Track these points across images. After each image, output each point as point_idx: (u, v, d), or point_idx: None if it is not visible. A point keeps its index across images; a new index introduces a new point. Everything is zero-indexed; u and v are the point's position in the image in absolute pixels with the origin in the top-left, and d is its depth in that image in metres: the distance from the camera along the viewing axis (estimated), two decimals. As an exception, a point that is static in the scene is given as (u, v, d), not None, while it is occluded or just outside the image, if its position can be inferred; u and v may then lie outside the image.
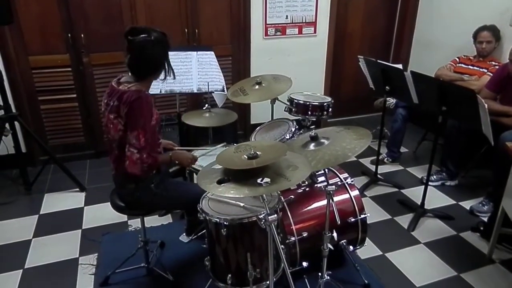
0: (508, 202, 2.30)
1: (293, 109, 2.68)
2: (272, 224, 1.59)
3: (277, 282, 1.95)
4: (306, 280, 2.22)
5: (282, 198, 1.96)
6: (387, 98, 3.43)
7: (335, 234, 2.10)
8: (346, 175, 2.39)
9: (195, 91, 2.92)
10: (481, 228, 2.73)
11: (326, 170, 2.20)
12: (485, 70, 3.39)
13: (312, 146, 1.85)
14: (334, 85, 4.57)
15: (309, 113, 2.64)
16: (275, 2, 3.89)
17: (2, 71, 3.06)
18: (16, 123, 3.19)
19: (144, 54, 1.88)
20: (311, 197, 2.28)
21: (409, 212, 3.00)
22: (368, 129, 1.89)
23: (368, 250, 2.56)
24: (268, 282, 1.84)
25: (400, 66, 3.04)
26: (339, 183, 2.33)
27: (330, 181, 2.21)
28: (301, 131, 2.57)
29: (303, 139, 1.95)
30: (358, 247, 2.39)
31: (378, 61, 3.09)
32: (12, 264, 2.51)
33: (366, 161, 3.81)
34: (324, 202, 2.06)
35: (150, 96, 1.93)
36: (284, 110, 2.74)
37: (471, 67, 3.52)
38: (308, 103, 2.63)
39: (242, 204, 1.88)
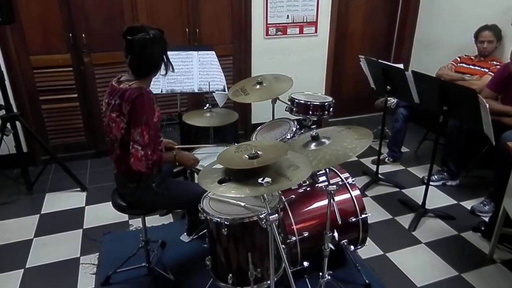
0: (509, 202, 2.29)
1: (294, 109, 2.68)
2: (273, 224, 1.59)
3: (278, 282, 1.94)
4: (307, 280, 2.22)
5: (283, 197, 1.97)
6: (388, 98, 3.43)
7: (336, 234, 2.10)
8: (347, 175, 2.39)
9: (196, 90, 2.92)
10: (482, 228, 2.73)
11: (327, 169, 2.21)
12: (486, 70, 3.39)
13: (313, 146, 1.86)
14: (335, 84, 4.57)
15: (310, 112, 2.64)
16: (276, 1, 3.89)
17: (4, 71, 3.06)
18: (17, 122, 3.19)
19: (144, 53, 1.89)
20: (312, 197, 2.28)
21: (410, 212, 2.99)
22: (369, 128, 1.89)
23: (369, 250, 2.56)
24: (269, 282, 1.84)
25: (401, 65, 3.04)
26: (340, 183, 2.32)
27: (331, 181, 2.20)
28: (302, 131, 2.57)
29: (304, 139, 1.95)
30: (359, 247, 2.39)
31: (379, 60, 3.09)
32: (13, 264, 2.51)
33: (367, 161, 3.80)
34: (325, 202, 2.06)
35: (152, 93, 1.94)
36: (285, 110, 2.74)
37: (472, 67, 3.52)
38: (309, 102, 2.63)
39: (243, 204, 1.88)
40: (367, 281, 2.29)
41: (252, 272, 1.83)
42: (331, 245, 2.02)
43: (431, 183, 3.02)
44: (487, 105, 2.26)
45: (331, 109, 2.67)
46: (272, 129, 2.68)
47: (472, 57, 3.60)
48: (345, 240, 2.24)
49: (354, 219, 2.26)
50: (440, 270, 2.44)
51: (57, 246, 2.68)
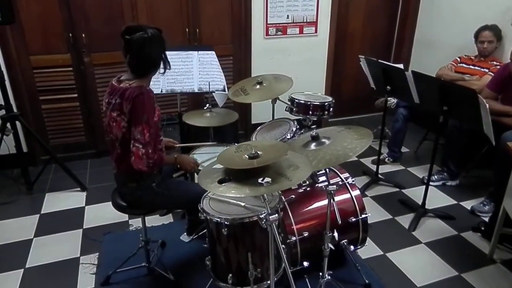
0: (509, 202, 2.29)
1: (294, 109, 2.68)
2: (273, 224, 1.59)
3: (278, 282, 1.94)
4: (307, 280, 2.22)
5: (283, 197, 1.97)
6: (388, 98, 3.43)
7: (336, 234, 2.10)
8: (347, 175, 2.39)
9: (196, 90, 2.92)
10: (482, 228, 2.73)
11: (327, 169, 2.21)
12: (486, 70, 3.39)
13: (313, 146, 1.86)
14: (335, 84, 4.57)
15: (310, 112, 2.64)
16: (276, 2, 3.89)
17: (4, 71, 3.06)
18: (17, 122, 3.19)
19: (143, 52, 1.89)
20: (312, 197, 2.28)
21: (410, 212, 2.99)
22: (369, 128, 1.89)
23: (369, 250, 2.56)
24: (269, 282, 1.84)
25: (401, 66, 3.04)
26: (340, 183, 2.32)
27: (331, 181, 2.20)
28: (302, 131, 2.57)
29: (304, 139, 1.95)
30: (359, 247, 2.39)
31: (379, 60, 3.09)
32: (13, 264, 2.51)
33: (367, 161, 3.80)
34: (325, 202, 2.06)
35: (152, 92, 1.94)
36: (285, 110, 2.74)
37: (472, 67, 3.52)
38: (309, 102, 2.63)
39: (243, 204, 1.88)
40: (367, 281, 2.29)
41: (252, 272, 1.83)
42: (331, 245, 2.02)
43: (431, 183, 3.02)
44: (487, 105, 2.26)
45: (331, 109, 2.67)
46: (272, 129, 2.68)
47: (472, 57, 3.60)
48: (345, 240, 2.24)
49: (354, 219, 2.26)
50: (440, 270, 2.44)
51: (57, 246, 2.68)
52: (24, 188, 3.34)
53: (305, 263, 2.16)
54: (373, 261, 2.51)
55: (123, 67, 1.98)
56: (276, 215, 1.60)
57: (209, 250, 1.98)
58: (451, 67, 3.65)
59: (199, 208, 1.90)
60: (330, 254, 2.04)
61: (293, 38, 4.10)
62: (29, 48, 3.43)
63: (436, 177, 3.37)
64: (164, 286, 2.33)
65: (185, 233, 2.73)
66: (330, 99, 2.72)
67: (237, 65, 4.07)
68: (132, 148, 1.87)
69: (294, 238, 2.12)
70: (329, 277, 2.10)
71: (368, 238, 2.40)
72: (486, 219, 2.85)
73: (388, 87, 3.02)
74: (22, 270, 2.47)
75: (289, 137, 2.45)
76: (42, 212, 3.07)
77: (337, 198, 2.24)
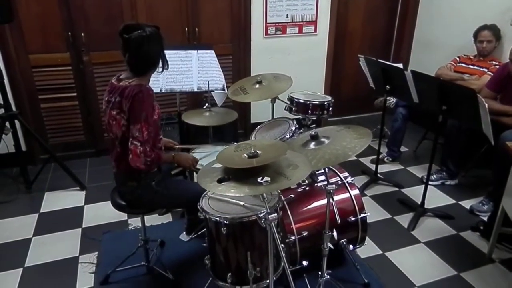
0: (508, 202, 2.30)
1: (294, 108, 2.68)
2: (272, 223, 1.60)
3: (277, 281, 1.95)
4: (306, 279, 2.22)
5: (282, 197, 1.96)
6: (388, 97, 3.43)
7: (335, 233, 2.11)
8: (346, 174, 2.40)
9: (195, 90, 2.92)
10: (481, 228, 2.73)
11: (326, 169, 2.21)
12: (486, 70, 3.39)
13: (312, 145, 1.86)
14: (335, 84, 4.57)
15: (310, 112, 2.64)
16: (276, 1, 3.89)
17: (3, 70, 3.06)
18: (16, 121, 3.19)
19: (141, 51, 1.89)
20: (311, 196, 2.28)
21: (409, 212, 3.00)
22: (368, 128, 1.89)
23: (368, 249, 2.56)
24: (268, 281, 1.84)
25: (400, 65, 3.04)
26: (339, 182, 2.33)
27: (330, 180, 2.20)
28: (301, 130, 2.57)
29: (303, 138, 1.95)
30: (358, 246, 2.39)
31: (379, 60, 3.09)
32: (12, 263, 2.51)
33: (366, 160, 3.81)
34: (324, 201, 2.07)
35: (151, 90, 1.94)
36: (285, 109, 2.74)
37: (471, 67, 3.52)
38: (308, 102, 2.63)
39: (242, 203, 1.88)
40: (366, 280, 2.29)
41: (251, 271, 1.83)
42: (330, 245, 2.02)
43: (430, 182, 3.01)
44: (486, 104, 2.26)
45: (331, 108, 2.68)
46: (272, 129, 2.68)
47: (471, 57, 3.60)
48: (344, 240, 2.25)
49: (353, 219, 2.26)
50: (439, 270, 2.44)
51: (56, 245, 2.68)
52: (23, 187, 3.34)
53: (304, 262, 2.16)
54: (372, 261, 2.51)
55: (122, 66, 1.98)
56: (275, 214, 1.60)
57: (208, 249, 1.98)
58: (450, 66, 3.65)
59: (199, 207, 1.90)
60: (329, 254, 2.04)
61: (293, 37, 4.10)
62: (28, 47, 3.43)
63: (435, 176, 3.37)
64: (163, 285, 2.33)
65: (184, 232, 2.73)
66: (329, 98, 2.73)
67: (237, 64, 4.06)
68: (130, 146, 1.87)
69: (293, 238, 2.13)
70: (328, 276, 2.10)
71: (367, 238, 2.41)
72: (485, 219, 2.85)
73: (387, 86, 3.02)
74: (21, 269, 2.47)
75: (288, 136, 2.45)
76: (41, 211, 3.07)
77: (336, 198, 2.24)
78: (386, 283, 2.33)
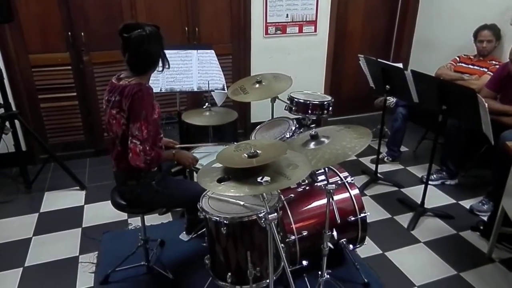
0: (508, 201, 2.30)
1: (293, 108, 2.68)
2: (272, 223, 1.60)
3: (277, 280, 1.95)
4: (306, 278, 2.22)
5: (282, 197, 1.96)
6: (387, 97, 3.43)
7: (335, 233, 2.11)
8: (346, 174, 2.40)
9: (195, 89, 2.92)
10: (481, 227, 2.73)
11: (326, 169, 2.21)
12: (485, 70, 3.39)
13: (312, 145, 1.86)
14: (334, 84, 4.57)
15: (309, 112, 2.64)
16: (276, 0, 3.89)
17: (2, 70, 3.06)
18: (16, 121, 3.19)
19: (141, 50, 1.89)
20: (311, 196, 2.28)
21: (409, 211, 3.00)
22: (368, 128, 1.89)
23: (368, 249, 2.56)
24: (268, 281, 1.84)
25: (400, 65, 3.04)
26: (339, 182, 2.33)
27: (330, 180, 2.20)
28: (301, 130, 2.57)
29: (303, 138, 1.95)
30: (358, 246, 2.39)
31: (379, 60, 3.09)
32: (12, 263, 2.51)
33: (366, 160, 3.81)
34: (324, 201, 2.07)
35: (151, 89, 1.95)
36: (284, 109, 2.74)
37: (471, 67, 3.52)
38: (308, 102, 2.63)
39: (242, 203, 1.88)
40: (366, 280, 2.29)
41: (251, 271, 1.83)
42: (330, 244, 2.02)
43: (430, 182, 3.02)
44: (486, 104, 2.26)
45: (330, 108, 2.68)
46: (271, 128, 2.68)
47: (471, 57, 3.60)
48: (344, 239, 2.25)
49: (353, 218, 2.26)
50: (439, 269, 2.44)
51: (56, 245, 2.68)
52: (23, 187, 3.33)
53: (304, 262, 2.16)
54: (372, 260, 2.51)
55: (122, 66, 1.98)
56: (275, 214, 1.60)
57: (208, 249, 1.98)
58: (450, 66, 3.65)
59: (198, 207, 1.90)
60: (329, 253, 2.04)
61: (293, 37, 4.10)
62: (28, 46, 3.43)
63: (435, 176, 3.37)
64: (163, 285, 2.33)
65: (184, 232, 2.73)
66: (329, 98, 2.73)
67: (237, 64, 4.06)
68: (130, 145, 1.87)
69: (293, 237, 2.12)
70: (328, 276, 2.10)
71: (367, 237, 2.41)
72: (485, 218, 2.85)
73: (387, 86, 3.02)
74: (21, 269, 2.47)
75: (288, 136, 2.45)
76: (41, 211, 3.07)
77: (336, 197, 2.24)
78: (386, 283, 2.33)
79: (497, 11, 3.52)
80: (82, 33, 3.49)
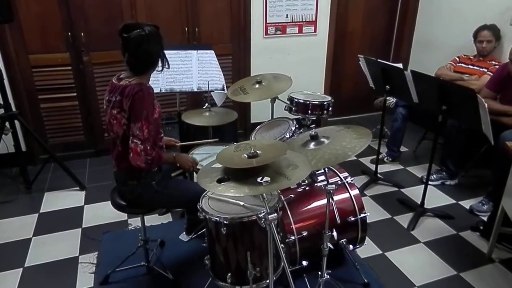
0: (508, 202, 2.30)
1: (293, 108, 2.68)
2: (272, 223, 1.60)
3: (277, 281, 1.95)
4: (306, 279, 2.22)
5: (282, 197, 1.96)
6: (387, 97, 3.43)
7: (335, 233, 2.10)
8: (346, 174, 2.40)
9: (195, 90, 2.92)
10: (481, 228, 2.73)
11: (326, 169, 2.20)
12: (485, 70, 3.39)
13: (312, 145, 1.86)
14: (334, 84, 4.57)
15: (309, 112, 2.64)
16: (275, 1, 3.89)
17: (2, 70, 3.06)
18: (16, 121, 3.19)
19: (141, 50, 1.90)
20: (311, 196, 2.28)
21: (409, 211, 3.00)
22: (368, 128, 1.89)
23: (368, 249, 2.56)
24: (268, 281, 1.84)
25: (400, 65, 3.04)
26: (339, 182, 2.33)
27: (330, 180, 2.21)
28: (301, 130, 2.57)
29: (303, 138, 1.95)
30: (358, 246, 2.39)
31: (378, 60, 3.09)
32: (12, 263, 2.51)
33: (366, 160, 3.81)
34: (324, 201, 2.07)
35: (152, 88, 1.95)
36: (284, 109, 2.74)
37: (471, 67, 3.52)
38: (308, 102, 2.63)
39: (242, 203, 1.88)
40: (366, 280, 2.29)
41: (251, 271, 1.83)
42: (330, 245, 2.02)
43: (430, 182, 3.02)
44: (486, 104, 2.26)
45: (330, 108, 2.68)
46: (271, 129, 2.68)
47: (471, 57, 3.60)
48: (344, 240, 2.25)
49: (353, 219, 2.26)
50: (439, 270, 2.44)
51: (56, 245, 2.68)
52: (23, 187, 3.33)
53: (304, 262, 2.16)
54: (372, 261, 2.51)
55: (122, 66, 1.98)
56: (275, 214, 1.60)
57: (208, 249, 1.98)
58: (450, 66, 3.65)
59: (198, 207, 1.90)
60: (329, 254, 2.04)
61: (293, 37, 4.10)
62: (28, 47, 3.43)
63: (435, 176, 3.37)
64: (163, 285, 2.33)
65: (184, 232, 2.73)
66: (329, 98, 2.73)
67: (236, 64, 4.06)
68: (131, 144, 1.88)
69: (293, 238, 2.13)
70: (328, 276, 2.10)
71: (367, 238, 2.41)
72: (485, 219, 2.86)
73: (387, 86, 3.02)
74: (21, 269, 2.47)
75: (288, 136, 2.45)
76: (41, 211, 3.07)
77: (336, 198, 2.24)
78: (385, 283, 2.33)
79: (497, 11, 3.52)
80: (82, 33, 3.49)
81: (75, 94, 3.67)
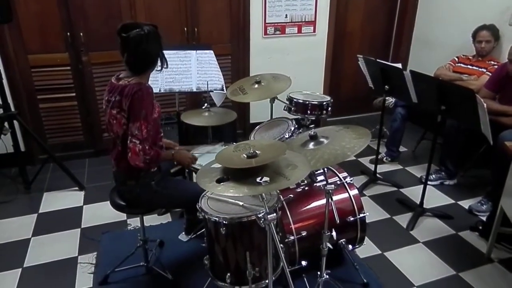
0: (507, 201, 2.30)
1: (293, 108, 2.68)
2: (271, 223, 1.59)
3: (276, 281, 1.95)
4: (305, 279, 2.22)
5: (281, 197, 1.96)
6: (386, 97, 3.43)
7: (334, 233, 2.10)
8: (345, 174, 2.40)
9: (195, 90, 2.92)
10: (480, 227, 2.73)
11: (325, 169, 2.20)
12: (484, 70, 3.39)
13: (311, 145, 1.86)
14: (334, 84, 4.57)
15: (309, 112, 2.64)
16: (275, 1, 3.89)
17: (1, 70, 3.06)
18: (15, 122, 3.19)
19: (139, 50, 1.90)
20: (310, 196, 2.28)
21: (408, 211, 3.00)
22: (367, 128, 1.89)
23: (367, 249, 2.56)
24: (267, 281, 1.84)
25: (399, 65, 3.04)
26: (338, 182, 2.33)
27: (329, 180, 2.21)
28: (300, 130, 2.57)
29: (302, 138, 1.95)
30: (357, 246, 2.39)
31: (378, 60, 3.09)
32: (11, 263, 2.51)
33: (365, 160, 3.81)
34: (323, 201, 2.07)
35: (151, 88, 1.95)
36: (284, 109, 2.74)
37: (470, 67, 3.53)
38: (307, 102, 2.63)
39: (241, 203, 1.88)
40: (365, 280, 2.29)
41: (250, 271, 1.83)
42: (329, 244, 2.02)
43: (429, 182, 3.02)
44: (485, 105, 2.26)
45: (330, 108, 2.67)
46: (271, 129, 2.68)
47: (470, 57, 3.61)
48: (343, 240, 2.25)
49: (352, 219, 2.26)
50: (438, 269, 2.45)
51: (55, 245, 2.67)
52: (22, 187, 3.33)
53: (303, 262, 2.16)
54: (371, 260, 2.52)
55: (121, 66, 1.98)
56: (274, 214, 1.60)
57: (207, 249, 1.98)
58: (449, 66, 3.66)
59: (198, 207, 1.90)
60: (328, 253, 2.04)
61: (292, 37, 4.10)
62: (27, 47, 3.42)
63: (434, 176, 3.37)
64: (162, 285, 2.33)
65: (183, 233, 2.73)
66: (328, 98, 2.72)
67: (236, 64, 4.06)
68: (129, 144, 1.88)
69: (292, 238, 2.13)
70: (327, 276, 2.10)
71: (366, 238, 2.41)
72: (484, 218, 2.86)
73: (386, 86, 3.02)
74: (20, 269, 2.47)
75: (287, 136, 2.45)
76: (40, 211, 3.06)
77: (335, 198, 2.24)
78: (385, 283, 2.33)
79: (496, 11, 3.52)
80: (81, 33, 3.49)
81: (74, 94, 3.66)
